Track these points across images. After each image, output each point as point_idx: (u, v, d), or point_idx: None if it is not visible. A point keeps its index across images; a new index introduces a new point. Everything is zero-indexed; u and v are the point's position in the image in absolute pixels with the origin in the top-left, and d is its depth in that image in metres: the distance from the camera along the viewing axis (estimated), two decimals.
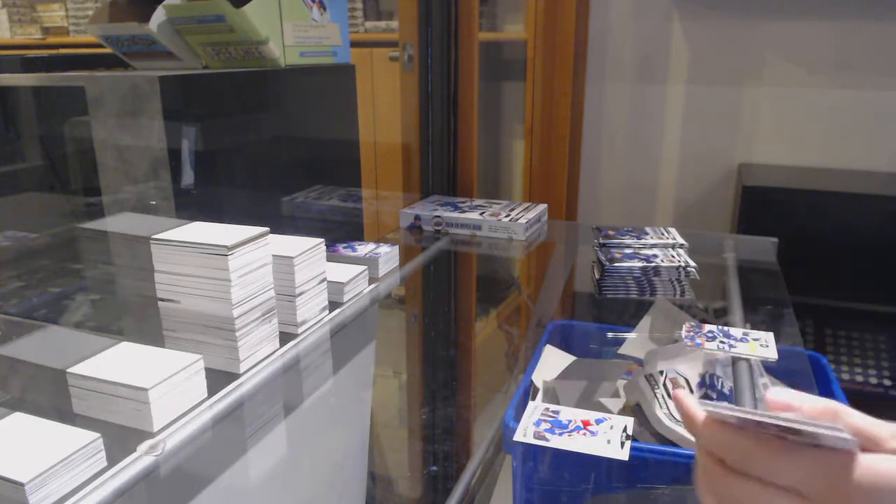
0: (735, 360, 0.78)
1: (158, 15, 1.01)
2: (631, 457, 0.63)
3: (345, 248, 1.06)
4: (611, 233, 1.20)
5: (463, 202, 1.45)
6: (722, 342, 0.79)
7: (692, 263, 1.08)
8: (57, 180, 1.11)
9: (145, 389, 0.57)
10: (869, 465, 0.37)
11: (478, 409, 1.07)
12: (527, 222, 1.30)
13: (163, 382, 0.59)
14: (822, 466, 0.38)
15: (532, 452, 0.76)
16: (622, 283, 1.07)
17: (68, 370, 0.60)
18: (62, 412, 0.61)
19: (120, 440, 0.57)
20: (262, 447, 0.68)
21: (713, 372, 0.91)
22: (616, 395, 0.91)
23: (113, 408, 0.59)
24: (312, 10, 1.11)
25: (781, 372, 0.99)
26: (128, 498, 0.53)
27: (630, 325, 1.05)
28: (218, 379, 0.67)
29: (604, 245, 1.15)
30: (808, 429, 0.37)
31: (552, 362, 0.96)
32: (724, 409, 0.41)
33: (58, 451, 0.51)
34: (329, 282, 0.84)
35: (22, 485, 0.48)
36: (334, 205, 1.22)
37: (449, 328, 1.28)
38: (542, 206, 1.43)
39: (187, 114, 0.88)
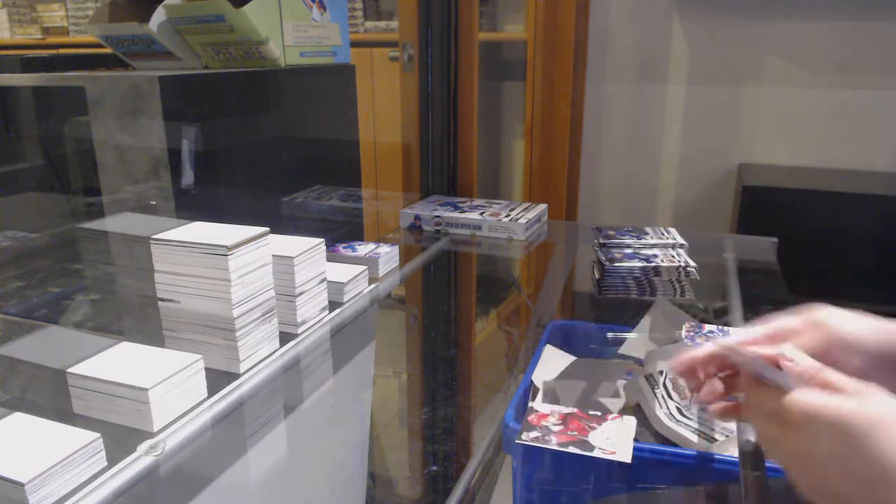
0: None
1: (158, 15, 1.01)
2: (631, 457, 0.63)
3: (345, 248, 1.06)
4: (611, 233, 1.20)
5: (463, 202, 1.45)
6: None
7: (692, 263, 1.08)
8: (57, 180, 1.11)
9: (145, 389, 0.57)
10: (803, 399, 0.47)
11: (478, 409, 1.07)
12: (527, 222, 1.30)
13: (163, 382, 0.59)
14: (775, 401, 0.49)
15: (532, 453, 0.76)
16: (622, 283, 1.07)
17: (68, 370, 0.60)
18: (62, 412, 0.61)
19: (120, 440, 0.57)
20: (262, 447, 0.68)
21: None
22: (616, 395, 0.90)
23: (113, 408, 0.59)
24: (312, 10, 1.11)
25: None
26: (128, 498, 0.53)
27: (630, 325, 1.05)
28: (218, 379, 0.67)
29: (604, 245, 1.15)
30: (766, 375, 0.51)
31: (552, 362, 0.96)
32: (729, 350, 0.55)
33: (58, 451, 0.51)
34: (329, 282, 0.84)
35: (22, 485, 0.48)
36: (334, 205, 1.22)
37: (449, 328, 1.28)
38: (542, 206, 1.43)
39: (187, 114, 0.88)
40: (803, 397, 0.47)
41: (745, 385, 0.54)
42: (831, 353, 0.53)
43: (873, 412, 0.44)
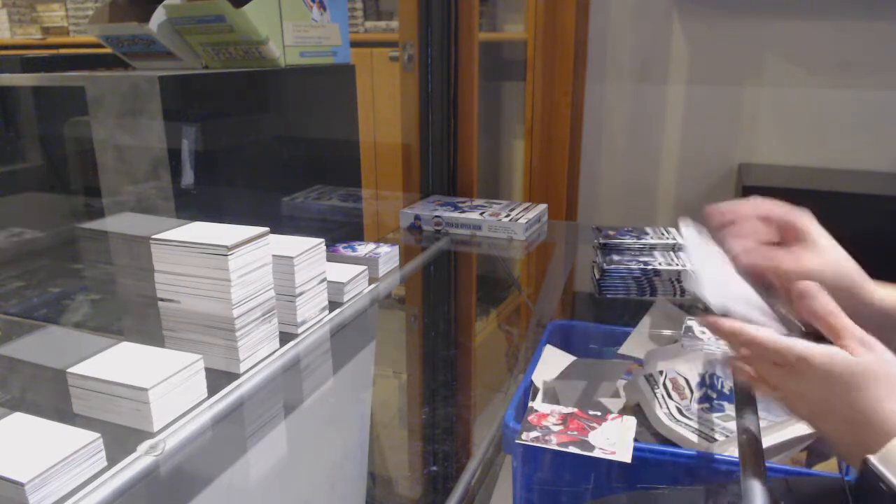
0: None
1: (158, 15, 1.01)
2: (631, 457, 0.63)
3: (345, 248, 1.06)
4: (611, 233, 1.20)
5: (463, 202, 1.45)
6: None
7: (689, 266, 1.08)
8: (57, 180, 1.11)
9: (145, 389, 0.57)
10: (802, 346, 0.54)
11: (478, 409, 1.07)
12: (527, 222, 1.30)
13: (163, 382, 0.59)
14: (775, 345, 0.56)
15: (532, 453, 0.76)
16: (622, 283, 1.07)
17: (68, 370, 0.60)
18: (62, 412, 0.61)
19: (120, 440, 0.57)
20: (262, 447, 0.68)
21: (713, 372, 0.91)
22: (616, 395, 0.91)
23: (113, 408, 0.59)
24: (312, 10, 1.11)
25: None
26: (128, 498, 0.53)
27: (630, 325, 1.05)
28: (218, 379, 0.67)
29: (604, 245, 1.15)
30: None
31: (552, 362, 0.96)
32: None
33: (58, 451, 0.51)
34: (329, 282, 0.84)
35: (22, 485, 0.48)
36: (334, 205, 1.22)
37: (449, 328, 1.28)
38: (542, 206, 1.43)
39: (187, 114, 0.88)
40: (802, 344, 0.54)
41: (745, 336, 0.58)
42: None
43: (862, 364, 0.51)
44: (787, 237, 0.65)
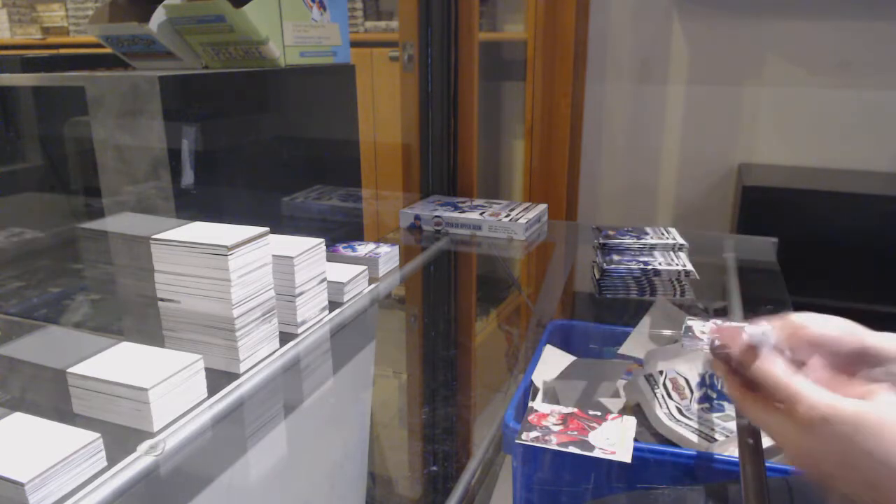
0: None
1: (158, 15, 1.01)
2: (631, 457, 0.63)
3: (345, 248, 1.06)
4: (611, 233, 1.20)
5: (463, 202, 1.45)
6: None
7: (689, 266, 1.08)
8: (57, 180, 1.11)
9: (145, 389, 0.57)
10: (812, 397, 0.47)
11: (478, 409, 1.07)
12: (527, 222, 1.30)
13: (163, 382, 0.59)
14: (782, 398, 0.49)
15: (532, 453, 0.76)
16: (622, 283, 1.07)
17: (68, 370, 0.60)
18: (62, 412, 0.61)
19: (120, 440, 0.57)
20: (262, 447, 0.68)
21: (713, 372, 0.91)
22: (616, 395, 0.91)
23: (113, 408, 0.59)
24: (312, 10, 1.11)
25: None
26: (128, 498, 0.53)
27: (630, 325, 1.05)
28: (218, 379, 0.67)
29: (603, 245, 1.15)
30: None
31: (552, 362, 0.96)
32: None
33: (58, 451, 0.51)
34: (329, 282, 0.84)
35: (22, 485, 0.48)
36: (334, 205, 1.22)
37: (449, 328, 1.28)
38: (542, 206, 1.43)
39: (187, 114, 0.88)
40: (812, 395, 0.46)
41: (740, 387, 0.53)
42: (800, 353, 0.52)
43: (882, 414, 0.43)
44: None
